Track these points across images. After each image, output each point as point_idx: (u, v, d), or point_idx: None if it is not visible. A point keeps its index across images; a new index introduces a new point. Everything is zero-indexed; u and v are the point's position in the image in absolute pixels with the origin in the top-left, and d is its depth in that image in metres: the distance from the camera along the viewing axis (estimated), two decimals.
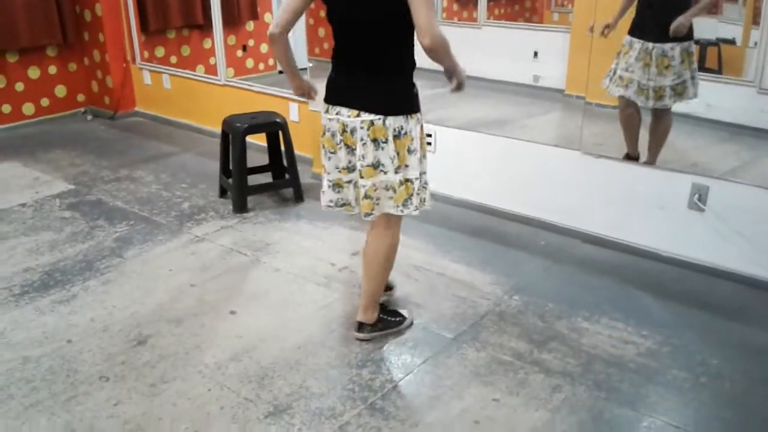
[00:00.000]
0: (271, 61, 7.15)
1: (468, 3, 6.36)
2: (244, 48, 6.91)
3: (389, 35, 2.26)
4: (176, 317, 2.84)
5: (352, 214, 2.58)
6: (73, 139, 5.37)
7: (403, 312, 2.79)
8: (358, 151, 2.34)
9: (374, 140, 2.31)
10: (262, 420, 2.23)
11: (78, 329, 2.76)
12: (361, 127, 2.31)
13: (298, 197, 3.98)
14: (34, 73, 5.63)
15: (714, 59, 4.02)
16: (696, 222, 3.11)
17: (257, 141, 4.34)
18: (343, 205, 2.54)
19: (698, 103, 3.77)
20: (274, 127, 3.96)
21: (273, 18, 6.92)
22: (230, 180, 3.91)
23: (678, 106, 3.64)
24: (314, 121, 4.29)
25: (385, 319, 2.71)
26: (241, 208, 3.85)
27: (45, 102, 5.76)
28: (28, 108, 5.65)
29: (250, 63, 6.97)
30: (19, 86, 5.56)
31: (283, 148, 3.99)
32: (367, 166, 2.35)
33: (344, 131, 2.36)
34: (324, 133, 2.45)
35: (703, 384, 2.38)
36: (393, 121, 2.30)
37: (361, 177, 2.37)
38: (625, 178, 3.31)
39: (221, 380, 2.43)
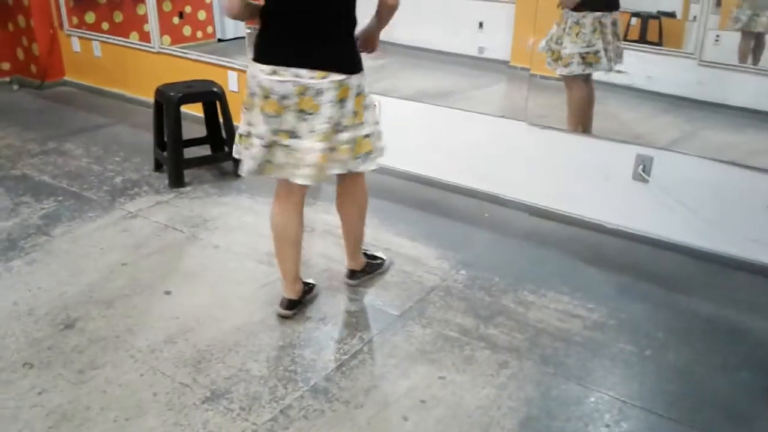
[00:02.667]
0: (209, 29, 6.88)
1: None
2: (181, 15, 6.61)
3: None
4: (107, 298, 2.68)
5: (273, 176, 2.43)
6: None
7: (381, 255, 2.94)
8: (325, 112, 2.24)
9: (340, 100, 2.26)
10: (199, 406, 2.12)
11: (0, 313, 2.58)
12: (329, 88, 2.23)
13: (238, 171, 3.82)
14: None
15: (655, 32, 4.03)
16: (641, 193, 3.11)
17: (194, 112, 4.16)
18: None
19: (639, 74, 3.77)
20: (210, 97, 3.78)
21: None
22: (165, 153, 3.72)
23: (621, 78, 3.63)
24: None
25: (369, 263, 2.85)
26: (177, 182, 3.68)
27: None
28: None
29: (187, 30, 6.68)
30: None
31: (221, 119, 3.82)
32: (328, 127, 2.26)
33: (302, 94, 2.23)
34: (266, 96, 2.25)
35: (648, 357, 2.38)
36: (355, 80, 2.29)
37: (317, 141, 2.26)
38: (570, 149, 3.29)
39: (155, 365, 2.30)
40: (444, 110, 3.68)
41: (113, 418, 2.06)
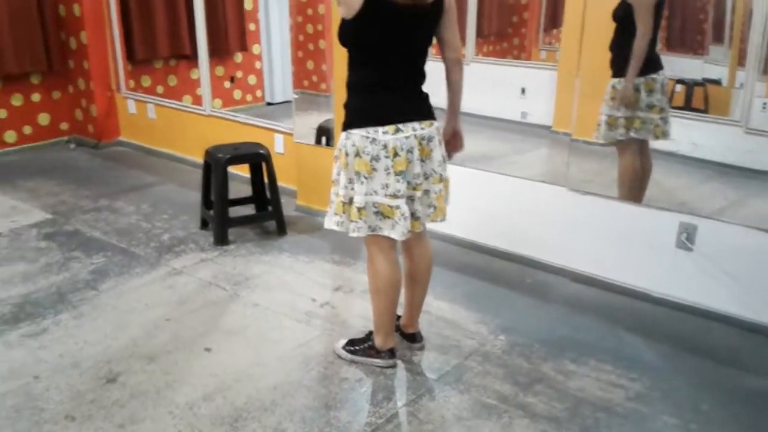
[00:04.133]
0: (259, 93, 7.14)
1: (462, 41, 6.39)
2: (232, 79, 6.88)
3: (427, 50, 2.44)
4: (149, 353, 2.73)
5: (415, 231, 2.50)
6: (54, 167, 5.28)
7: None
8: (436, 156, 2.44)
9: (439, 144, 2.47)
10: None
11: (46, 365, 2.65)
12: (435, 135, 2.43)
13: (281, 230, 3.90)
14: (17, 100, 5.56)
15: (700, 99, 4.03)
16: (685, 262, 3.05)
17: (241, 172, 4.28)
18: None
19: (684, 141, 3.76)
20: (256, 159, 3.90)
21: (261, 49, 6.93)
22: (211, 212, 3.83)
23: (664, 144, 3.63)
24: (299, 153, 4.24)
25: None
26: (221, 240, 3.77)
27: (27, 130, 5.68)
28: (10, 136, 5.57)
29: (237, 94, 6.95)
30: (2, 113, 5.48)
31: (266, 179, 3.92)
32: (442, 169, 2.49)
33: (420, 143, 2.38)
34: (396, 155, 2.32)
35: (693, 431, 2.30)
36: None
37: (434, 183, 2.47)
38: (612, 215, 3.27)
39: (192, 421, 2.32)
40: (485, 174, 3.71)
41: None
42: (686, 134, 3.80)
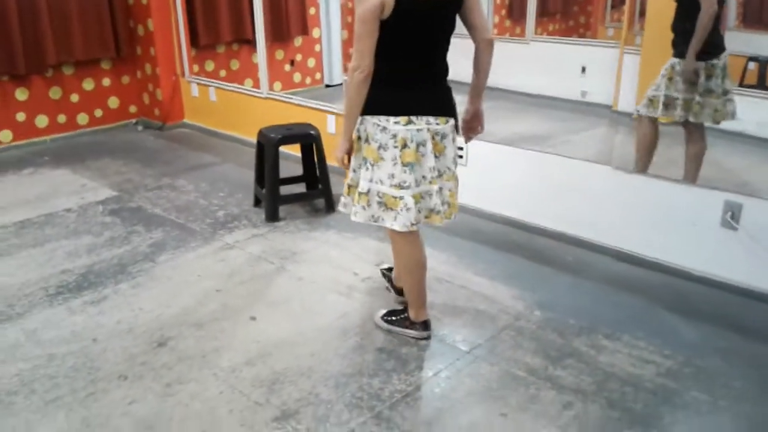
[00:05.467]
0: (318, 75, 7.29)
1: (521, 18, 6.35)
2: (292, 63, 7.05)
3: (448, 42, 2.45)
4: (198, 321, 2.90)
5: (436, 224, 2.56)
6: (122, 148, 5.57)
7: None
8: (449, 153, 2.49)
9: (452, 141, 2.50)
10: (269, 423, 2.26)
11: (104, 329, 2.85)
12: (450, 132, 2.48)
13: (330, 207, 4.03)
14: (88, 84, 5.88)
15: None
16: (729, 241, 3.00)
17: (294, 152, 4.42)
18: (426, 216, 2.52)
19: (750, 121, 3.66)
20: (307, 139, 4.03)
21: (321, 33, 7.05)
22: (264, 190, 3.98)
23: (730, 125, 3.55)
24: None
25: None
26: (272, 217, 3.92)
27: (98, 113, 6.00)
28: (82, 118, 5.90)
29: (297, 77, 7.12)
30: (74, 97, 5.81)
31: (316, 159, 4.04)
32: (454, 166, 2.55)
33: (434, 138, 2.42)
34: (404, 146, 2.37)
35: (722, 407, 2.29)
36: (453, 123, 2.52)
37: (447, 180, 2.52)
38: (657, 194, 3.23)
39: (234, 383, 2.47)
40: (529, 153, 3.72)
41: (192, 429, 2.23)
42: (755, 114, 3.70)
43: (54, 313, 2.99)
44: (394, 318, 2.80)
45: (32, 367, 2.60)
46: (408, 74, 2.40)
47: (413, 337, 2.72)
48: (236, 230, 3.84)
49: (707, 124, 3.49)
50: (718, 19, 3.35)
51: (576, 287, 3.15)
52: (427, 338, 2.73)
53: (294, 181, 4.21)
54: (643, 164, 3.48)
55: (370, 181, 2.43)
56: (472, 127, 2.65)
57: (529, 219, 3.73)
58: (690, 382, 2.42)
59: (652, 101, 3.52)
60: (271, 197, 3.91)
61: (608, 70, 4.66)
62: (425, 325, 2.74)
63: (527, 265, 3.38)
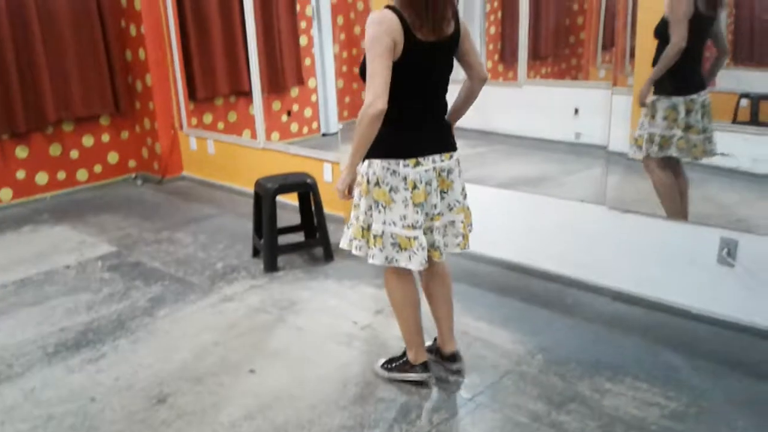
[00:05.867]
0: (315, 125, 7.37)
1: (513, 62, 6.46)
2: (289, 113, 7.15)
3: (448, 81, 2.51)
4: (197, 376, 2.88)
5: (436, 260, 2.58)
6: (121, 203, 5.61)
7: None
8: (457, 188, 2.53)
9: (459, 175, 2.55)
10: None
11: (103, 387, 2.83)
12: (455, 167, 2.52)
13: (328, 256, 4.04)
14: (88, 141, 5.95)
15: None
16: (727, 277, 3.00)
17: (291, 201, 4.45)
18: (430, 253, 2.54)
19: (745, 157, 3.68)
20: (303, 188, 4.06)
21: (317, 83, 7.16)
22: (262, 240, 3.99)
23: (724, 161, 3.57)
24: None
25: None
26: (271, 267, 3.93)
27: (98, 168, 6.07)
28: (82, 174, 5.95)
29: (294, 127, 7.20)
30: (74, 154, 5.88)
31: (313, 208, 4.07)
32: (463, 199, 2.58)
33: (440, 175, 2.47)
34: (414, 187, 2.40)
35: None
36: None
37: (457, 213, 2.55)
38: (652, 233, 3.24)
39: None
40: (524, 195, 3.75)
41: None
42: (748, 150, 3.73)
43: (52, 372, 2.97)
44: (393, 365, 2.78)
45: (31, 428, 2.57)
46: (414, 115, 2.44)
47: (414, 381, 2.70)
48: (235, 282, 3.84)
49: (687, 160, 3.51)
50: (699, 57, 3.43)
51: (576, 329, 3.14)
52: (428, 379, 2.70)
53: (292, 231, 4.23)
54: (668, 209, 3.45)
55: (383, 223, 2.45)
56: None
57: (526, 261, 3.74)
58: (694, 424, 2.39)
59: (637, 140, 3.56)
60: (269, 247, 3.93)
61: (601, 110, 4.72)
62: (425, 367, 2.71)
63: (526, 308, 3.37)
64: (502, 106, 5.88)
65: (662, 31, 3.37)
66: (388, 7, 2.32)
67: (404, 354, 2.77)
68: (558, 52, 7.46)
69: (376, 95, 2.25)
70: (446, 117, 2.57)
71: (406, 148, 2.41)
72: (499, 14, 6.75)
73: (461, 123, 2.66)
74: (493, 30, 6.73)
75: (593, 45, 7.16)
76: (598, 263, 3.44)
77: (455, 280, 3.55)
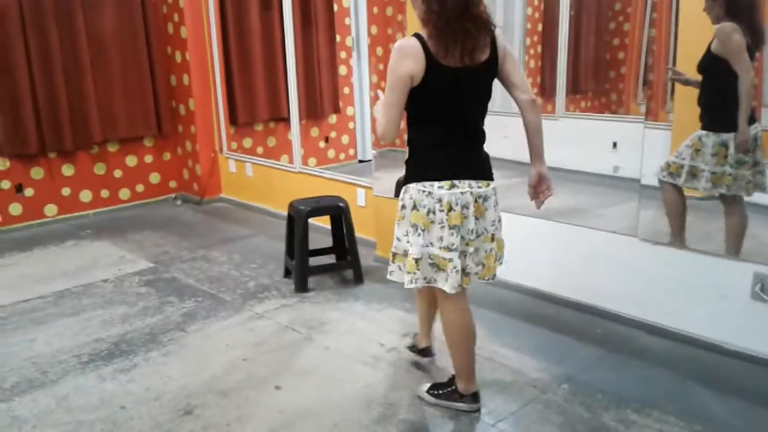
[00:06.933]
0: (351, 151, 7.48)
1: (552, 96, 6.49)
2: (327, 139, 7.27)
3: (485, 108, 2.53)
4: (224, 390, 2.93)
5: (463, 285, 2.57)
6: (161, 222, 5.76)
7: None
8: (490, 216, 2.53)
9: (494, 205, 2.54)
10: None
11: (133, 397, 2.90)
12: (491, 195, 2.53)
13: (358, 279, 4.08)
14: (131, 161, 6.14)
15: None
16: (760, 313, 2.95)
17: (324, 224, 4.51)
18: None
19: None
20: (335, 211, 4.12)
21: (355, 111, 7.28)
22: (293, 261, 4.05)
23: (760, 197, 3.52)
24: (379, 207, 4.43)
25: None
26: (301, 287, 3.98)
27: (140, 188, 6.24)
28: (124, 193, 6.13)
29: (331, 153, 7.31)
30: (118, 173, 6.07)
31: (345, 231, 4.12)
32: (494, 228, 2.57)
33: (477, 201, 2.48)
34: (450, 209, 2.43)
35: None
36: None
37: (485, 241, 2.54)
38: (684, 266, 3.21)
39: None
40: (556, 225, 3.74)
41: None
42: None
43: (85, 380, 3.05)
44: (440, 391, 2.77)
45: None
46: (446, 139, 2.47)
47: (463, 411, 2.69)
48: (266, 300, 3.90)
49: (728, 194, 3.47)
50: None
51: (604, 360, 3.11)
52: (477, 411, 2.69)
53: (323, 253, 4.28)
54: (676, 235, 3.45)
55: (422, 246, 2.48)
56: (539, 191, 2.65)
57: (557, 291, 3.72)
58: None
59: (670, 166, 3.53)
60: (300, 268, 3.99)
61: (640, 145, 4.70)
62: (475, 398, 2.70)
63: (554, 337, 3.35)
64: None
65: (708, 66, 3.35)
66: (416, 34, 2.38)
67: (451, 381, 2.76)
68: (598, 87, 7.47)
69: (386, 131, 2.42)
70: (484, 149, 2.56)
71: (439, 171, 2.45)
72: (539, 48, 6.80)
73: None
74: (532, 63, 6.78)
75: (634, 80, 7.16)
76: (629, 295, 3.41)
77: (484, 306, 3.58)
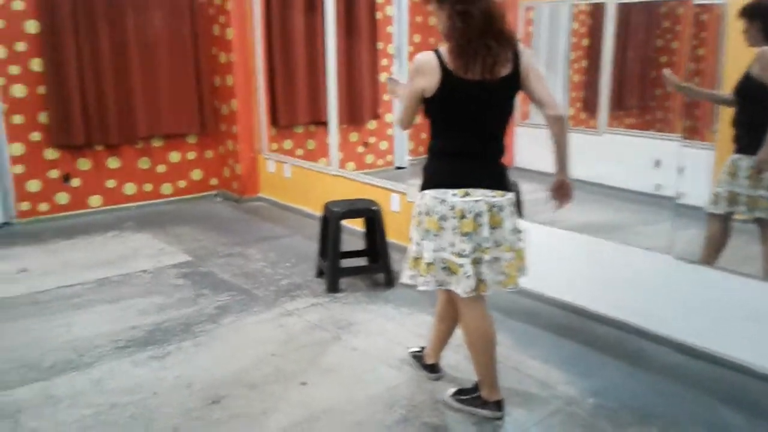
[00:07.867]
0: (389, 158, 7.53)
1: (595, 112, 6.46)
2: (365, 144, 7.34)
3: (505, 122, 2.57)
4: (252, 382, 2.99)
5: (482, 293, 2.59)
6: (200, 217, 5.88)
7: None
8: (507, 225, 2.55)
9: (511, 215, 2.57)
10: None
11: (164, 383, 2.98)
12: (507, 205, 2.56)
13: (389, 282, 4.11)
14: (175, 157, 6.29)
15: None
16: None
17: (358, 227, 4.56)
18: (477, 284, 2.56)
19: None
20: (368, 214, 4.17)
21: (395, 117, 7.34)
22: (326, 261, 4.11)
23: None
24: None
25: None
26: (333, 288, 4.04)
27: (182, 184, 6.38)
28: (166, 188, 6.28)
29: (369, 158, 7.38)
30: (161, 168, 6.22)
31: (377, 234, 4.16)
32: (512, 238, 2.58)
33: (491, 210, 2.51)
34: (462, 216, 2.48)
35: None
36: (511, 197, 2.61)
37: (504, 251, 2.56)
38: (718, 286, 3.17)
39: None
40: (590, 239, 3.73)
41: None
42: None
43: (120, 364, 3.15)
44: (465, 397, 2.79)
45: (94, 413, 2.74)
46: (461, 149, 2.53)
47: (487, 417, 2.71)
48: (297, 298, 3.97)
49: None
50: None
51: (632, 377, 3.09)
52: (501, 418, 2.70)
53: (356, 255, 4.33)
54: (707, 261, 3.42)
55: (434, 250, 2.53)
56: (559, 196, 2.68)
57: (589, 305, 3.70)
58: None
59: (716, 197, 3.51)
60: (331, 269, 4.04)
61: (685, 164, 4.65)
62: (498, 405, 2.72)
63: (583, 351, 3.34)
64: (580, 153, 5.86)
65: (747, 90, 3.32)
66: (436, 50, 2.46)
67: (476, 388, 2.78)
68: (644, 104, 7.40)
69: (401, 122, 2.70)
70: (502, 156, 2.60)
71: (453, 179, 2.51)
72: (584, 63, 6.77)
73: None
74: (576, 78, 6.75)
75: (681, 98, 7.07)
76: (661, 312, 3.38)
77: (514, 317, 3.58)
